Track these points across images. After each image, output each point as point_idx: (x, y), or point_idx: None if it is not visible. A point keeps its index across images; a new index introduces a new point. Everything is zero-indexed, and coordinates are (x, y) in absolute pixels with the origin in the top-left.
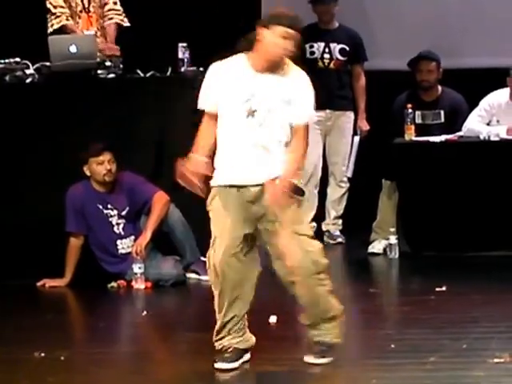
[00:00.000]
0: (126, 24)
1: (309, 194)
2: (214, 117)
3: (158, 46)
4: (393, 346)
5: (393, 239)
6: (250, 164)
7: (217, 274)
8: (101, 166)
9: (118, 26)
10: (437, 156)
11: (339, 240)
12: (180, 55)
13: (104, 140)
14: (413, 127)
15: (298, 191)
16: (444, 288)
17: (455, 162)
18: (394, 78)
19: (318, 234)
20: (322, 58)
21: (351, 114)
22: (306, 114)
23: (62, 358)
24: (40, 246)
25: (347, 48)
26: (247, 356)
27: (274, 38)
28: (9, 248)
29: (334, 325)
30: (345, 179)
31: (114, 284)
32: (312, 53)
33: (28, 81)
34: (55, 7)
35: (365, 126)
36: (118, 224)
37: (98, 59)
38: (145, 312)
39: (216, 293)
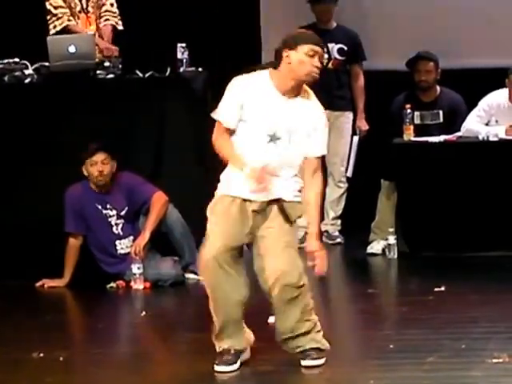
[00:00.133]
0: (120, 27)
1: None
2: (230, 132)
3: (157, 46)
4: (391, 346)
5: (391, 239)
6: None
7: (207, 271)
8: (94, 166)
9: (114, 28)
10: (436, 156)
11: (338, 240)
12: (179, 55)
13: (101, 140)
14: (412, 127)
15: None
16: (443, 288)
17: (454, 162)
18: (393, 78)
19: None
20: None
21: (350, 115)
22: (324, 148)
23: (61, 358)
24: (39, 246)
25: (345, 48)
26: (247, 353)
27: (301, 57)
28: (8, 248)
29: (312, 336)
30: (343, 179)
31: (112, 284)
32: None
33: (27, 81)
34: (56, 8)
35: (364, 125)
36: (116, 224)
37: (97, 59)
38: (144, 312)
39: (211, 296)
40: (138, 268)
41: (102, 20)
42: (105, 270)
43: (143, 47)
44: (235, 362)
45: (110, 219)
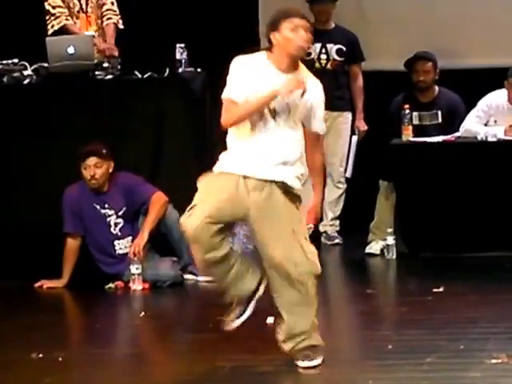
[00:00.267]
0: (121, 26)
1: (306, 195)
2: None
3: (156, 46)
4: (390, 346)
5: (390, 240)
6: (267, 161)
7: (190, 240)
8: (87, 170)
9: (116, 26)
10: (434, 157)
11: (336, 241)
12: (178, 56)
13: (95, 141)
14: (410, 128)
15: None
16: (441, 289)
17: (453, 162)
18: (392, 78)
19: (316, 235)
20: (319, 58)
21: (349, 115)
22: (323, 125)
23: (60, 358)
24: (38, 246)
25: (344, 48)
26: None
27: (285, 34)
28: (7, 249)
29: (306, 336)
30: (342, 180)
31: (111, 285)
32: (308, 54)
33: (26, 82)
34: (54, 8)
35: (362, 126)
36: (115, 224)
37: (96, 60)
38: (142, 313)
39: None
40: (137, 268)
41: (104, 19)
42: (103, 271)
43: (142, 48)
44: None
45: (108, 219)
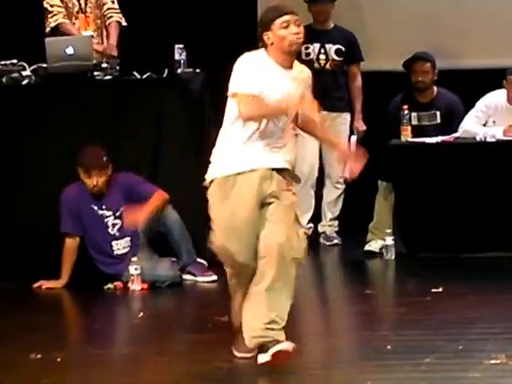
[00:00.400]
0: (124, 23)
1: (305, 195)
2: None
3: (155, 47)
4: (389, 347)
5: (389, 240)
6: (272, 154)
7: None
8: (89, 179)
9: (119, 24)
10: (433, 157)
11: (335, 241)
12: (177, 56)
13: (94, 148)
14: (409, 128)
15: (295, 178)
16: (440, 289)
17: (451, 163)
18: (390, 78)
19: (315, 236)
20: (318, 58)
21: (347, 116)
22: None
23: (59, 359)
24: (36, 247)
25: (343, 48)
26: None
27: (278, 33)
28: (5, 249)
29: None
30: (341, 180)
31: (110, 285)
32: (307, 54)
33: (24, 82)
34: (52, 6)
35: (361, 126)
36: (113, 225)
37: (95, 61)
38: (141, 313)
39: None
40: (136, 269)
41: (105, 18)
42: (102, 271)
43: (141, 48)
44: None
45: (105, 220)
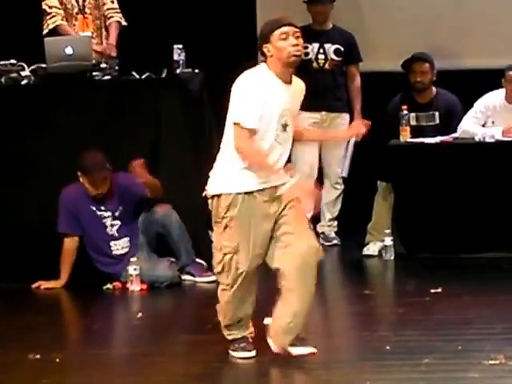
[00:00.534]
0: (124, 23)
1: None
2: (254, 133)
3: (154, 47)
4: (388, 347)
5: (388, 241)
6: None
7: (240, 282)
8: (91, 187)
9: (119, 24)
10: (432, 158)
11: (334, 242)
12: (175, 57)
13: (95, 154)
14: (408, 129)
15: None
16: (439, 290)
17: (450, 163)
18: (389, 79)
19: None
20: (317, 58)
21: (346, 116)
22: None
23: (58, 359)
24: (35, 247)
25: (342, 48)
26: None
27: (277, 45)
28: (4, 250)
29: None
30: (340, 181)
31: (109, 286)
32: (306, 54)
33: (23, 82)
34: (50, 7)
35: None
36: (111, 225)
37: (94, 61)
38: (140, 314)
39: (229, 297)
40: (135, 269)
41: (106, 18)
42: (101, 271)
43: (140, 48)
44: (253, 349)
45: (104, 220)
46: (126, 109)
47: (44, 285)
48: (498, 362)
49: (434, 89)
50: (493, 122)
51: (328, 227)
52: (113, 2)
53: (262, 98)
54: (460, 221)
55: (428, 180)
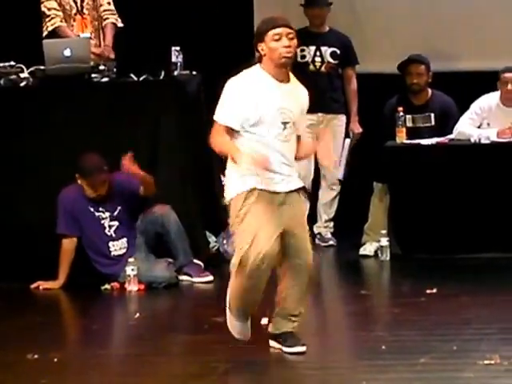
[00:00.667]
0: (120, 24)
1: None
2: (232, 133)
3: (152, 49)
4: (384, 347)
5: (384, 241)
6: (283, 173)
7: (255, 271)
8: (89, 189)
9: (114, 25)
10: (428, 159)
11: (331, 242)
12: (173, 59)
13: (94, 157)
14: (404, 130)
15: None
16: (435, 290)
17: (446, 164)
18: (385, 81)
19: (310, 237)
20: (314, 61)
21: (343, 118)
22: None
23: (56, 359)
24: (34, 248)
25: (338, 51)
26: None
27: (270, 45)
28: (3, 250)
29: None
30: (336, 182)
31: (107, 286)
32: (303, 56)
33: (22, 84)
34: (49, 9)
35: (357, 128)
36: (110, 226)
37: (92, 63)
38: (138, 314)
39: (244, 287)
40: (132, 270)
41: (102, 20)
42: (99, 271)
43: (137, 50)
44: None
45: (102, 221)
46: (124, 110)
47: (42, 285)
48: (493, 362)
49: (429, 91)
50: (488, 124)
51: (324, 228)
52: (109, 3)
53: (249, 99)
54: (456, 221)
55: (424, 181)
